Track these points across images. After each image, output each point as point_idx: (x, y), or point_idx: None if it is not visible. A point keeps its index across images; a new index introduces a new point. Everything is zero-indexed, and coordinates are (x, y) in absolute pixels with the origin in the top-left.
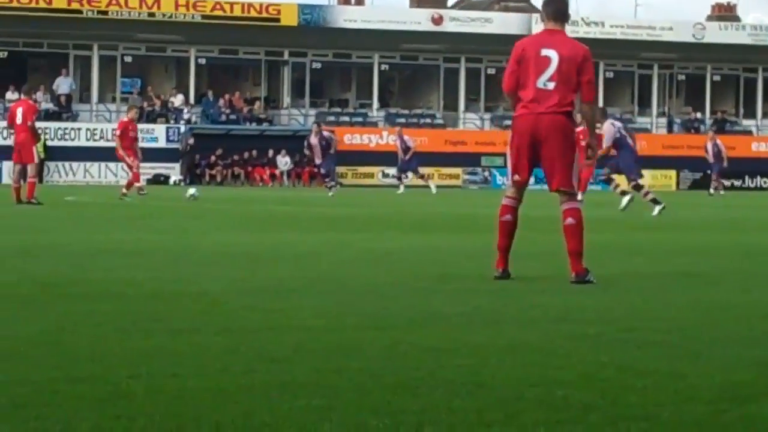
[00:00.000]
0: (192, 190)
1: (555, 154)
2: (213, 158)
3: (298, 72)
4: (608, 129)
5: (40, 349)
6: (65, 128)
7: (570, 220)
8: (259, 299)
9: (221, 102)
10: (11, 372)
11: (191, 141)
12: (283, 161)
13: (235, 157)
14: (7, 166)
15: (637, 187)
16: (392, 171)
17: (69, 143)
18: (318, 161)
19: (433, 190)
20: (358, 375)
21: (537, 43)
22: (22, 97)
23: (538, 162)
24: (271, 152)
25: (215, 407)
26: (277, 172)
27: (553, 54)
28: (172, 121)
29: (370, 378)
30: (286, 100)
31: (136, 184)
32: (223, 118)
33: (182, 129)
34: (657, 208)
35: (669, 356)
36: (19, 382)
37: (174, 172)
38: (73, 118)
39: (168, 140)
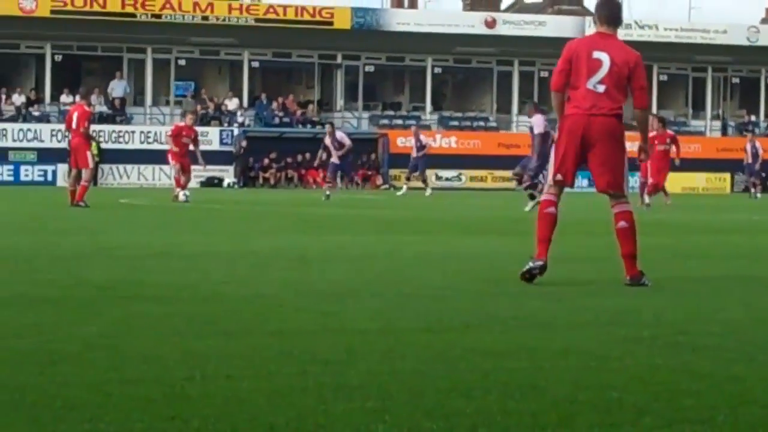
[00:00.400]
0: (183, 194)
1: (605, 157)
2: (266, 161)
3: (351, 75)
4: (542, 121)
5: (95, 352)
6: (119, 131)
7: (623, 224)
8: (313, 302)
9: (274, 105)
10: (66, 374)
11: (244, 144)
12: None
13: (289, 160)
14: (62, 168)
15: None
16: (446, 173)
17: (123, 146)
18: (336, 160)
19: (428, 192)
20: (412, 378)
21: (589, 45)
22: (79, 101)
23: (584, 163)
24: (324, 155)
25: (269, 409)
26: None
27: (605, 57)
28: (225, 124)
29: (424, 380)
30: (340, 103)
31: (174, 193)
32: (277, 121)
33: (236, 132)
34: (531, 204)
35: (724, 359)
36: (74, 383)
37: (228, 174)
38: (127, 121)
39: (222, 143)
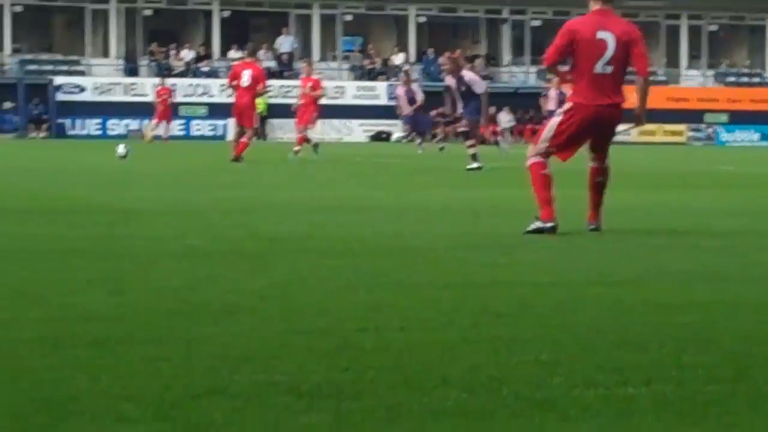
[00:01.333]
0: (121, 149)
1: (609, 137)
2: (435, 115)
3: (517, 30)
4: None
5: (268, 303)
6: (287, 86)
7: (600, 178)
8: (484, 254)
9: (441, 60)
10: (240, 325)
11: None
12: (506, 118)
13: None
14: (233, 123)
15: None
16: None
17: (291, 101)
18: (405, 113)
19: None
20: (584, 331)
21: (591, 26)
22: (248, 58)
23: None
24: (493, 109)
25: (442, 361)
26: (498, 129)
27: (608, 36)
28: (393, 79)
29: (596, 334)
30: (507, 57)
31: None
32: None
33: None
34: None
35: None
36: (247, 335)
37: (396, 129)
38: (295, 76)
39: (389, 98)
